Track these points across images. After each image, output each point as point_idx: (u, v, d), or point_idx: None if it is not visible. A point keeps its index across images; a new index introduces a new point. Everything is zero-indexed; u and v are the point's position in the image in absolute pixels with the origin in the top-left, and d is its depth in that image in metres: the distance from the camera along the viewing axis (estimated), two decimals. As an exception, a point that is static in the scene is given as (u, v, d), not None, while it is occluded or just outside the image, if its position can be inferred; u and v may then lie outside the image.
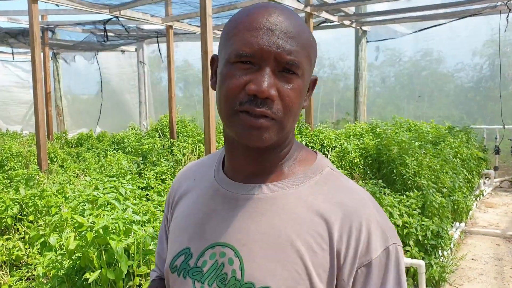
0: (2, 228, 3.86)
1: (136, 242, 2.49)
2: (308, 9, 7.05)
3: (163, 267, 1.13)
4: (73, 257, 2.55)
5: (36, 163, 5.87)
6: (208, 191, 0.98)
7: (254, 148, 0.88)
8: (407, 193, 4.41)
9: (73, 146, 9.02)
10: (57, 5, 6.61)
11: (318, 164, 0.94)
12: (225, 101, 0.84)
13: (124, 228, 2.47)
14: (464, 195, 5.03)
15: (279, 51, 0.80)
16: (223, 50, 0.87)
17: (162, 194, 4.41)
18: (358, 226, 0.83)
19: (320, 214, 0.85)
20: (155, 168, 5.43)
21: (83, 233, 2.40)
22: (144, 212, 3.40)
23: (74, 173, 5.71)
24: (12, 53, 10.86)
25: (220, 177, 0.97)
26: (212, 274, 0.88)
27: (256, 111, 0.81)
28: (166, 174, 5.30)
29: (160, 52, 9.74)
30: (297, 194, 0.88)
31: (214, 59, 0.94)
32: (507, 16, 7.55)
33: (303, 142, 6.37)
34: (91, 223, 2.43)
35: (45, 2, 6.18)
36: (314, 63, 0.90)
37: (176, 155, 6.50)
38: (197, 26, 8.49)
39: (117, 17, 7.44)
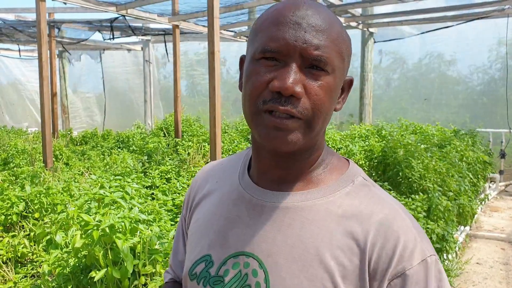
0: (8, 225, 3.87)
1: (142, 241, 2.49)
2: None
3: (178, 269, 1.09)
4: (79, 255, 2.55)
5: (42, 160, 5.89)
6: (231, 195, 0.92)
7: (281, 153, 0.83)
8: (413, 196, 4.39)
9: (78, 144, 9.04)
10: (65, 3, 6.62)
11: (350, 173, 0.88)
12: (249, 100, 0.80)
13: (130, 227, 2.47)
14: (469, 198, 5.00)
15: (305, 46, 0.75)
16: (250, 47, 0.83)
17: (167, 194, 4.40)
18: (392, 237, 0.78)
19: (351, 226, 0.80)
20: (160, 167, 5.43)
21: (89, 231, 2.41)
22: (149, 211, 3.40)
23: (79, 171, 5.72)
24: (19, 50, 10.91)
25: (245, 182, 0.92)
26: (234, 284, 0.83)
27: (280, 109, 0.76)
28: (171, 173, 5.29)
29: (166, 51, 9.75)
30: (326, 205, 0.83)
31: (243, 59, 0.89)
32: (515, 20, 7.52)
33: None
34: (97, 221, 2.44)
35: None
36: (348, 61, 0.84)
37: (181, 154, 6.50)
38: (204, 26, 8.49)
39: (123, 15, 7.45)
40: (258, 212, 0.86)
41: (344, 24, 8.21)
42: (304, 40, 0.76)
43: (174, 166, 5.53)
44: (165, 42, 9.84)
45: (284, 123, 0.76)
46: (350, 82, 0.88)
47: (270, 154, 0.86)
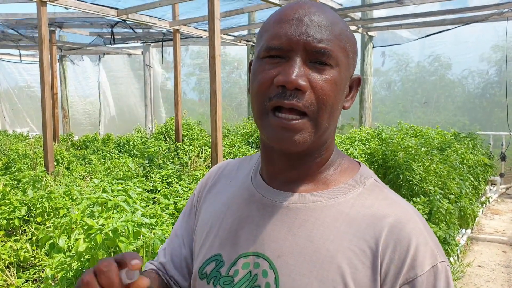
0: (10, 230, 3.88)
1: (145, 245, 2.50)
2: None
3: (168, 263, 1.04)
4: (82, 259, 2.55)
5: (43, 165, 5.89)
6: (243, 194, 0.92)
7: (290, 153, 0.83)
8: (414, 199, 4.39)
9: (79, 148, 9.05)
10: (66, 8, 6.64)
11: (361, 174, 0.88)
12: (256, 99, 0.81)
13: (133, 230, 2.48)
14: (470, 201, 5.01)
15: (309, 40, 0.76)
16: (256, 48, 0.84)
17: (169, 197, 4.41)
18: (404, 241, 0.77)
19: (363, 228, 0.79)
20: (161, 171, 5.44)
21: (92, 235, 2.41)
22: (151, 215, 3.41)
23: (80, 175, 5.73)
24: (20, 55, 10.93)
25: (256, 181, 0.92)
26: (244, 284, 0.83)
27: (285, 103, 0.76)
28: (172, 177, 5.30)
29: (162, 55, 9.77)
30: (338, 206, 0.82)
31: (252, 64, 0.90)
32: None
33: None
34: (100, 225, 2.44)
35: (53, 5, 6.22)
36: (353, 58, 0.83)
37: (182, 158, 6.51)
38: (204, 30, 8.52)
39: (124, 20, 7.47)
40: (269, 212, 0.86)
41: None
42: (307, 34, 0.76)
43: (175, 170, 5.54)
44: (162, 47, 9.85)
45: (290, 124, 0.77)
46: (358, 81, 0.88)
47: (280, 155, 0.86)
